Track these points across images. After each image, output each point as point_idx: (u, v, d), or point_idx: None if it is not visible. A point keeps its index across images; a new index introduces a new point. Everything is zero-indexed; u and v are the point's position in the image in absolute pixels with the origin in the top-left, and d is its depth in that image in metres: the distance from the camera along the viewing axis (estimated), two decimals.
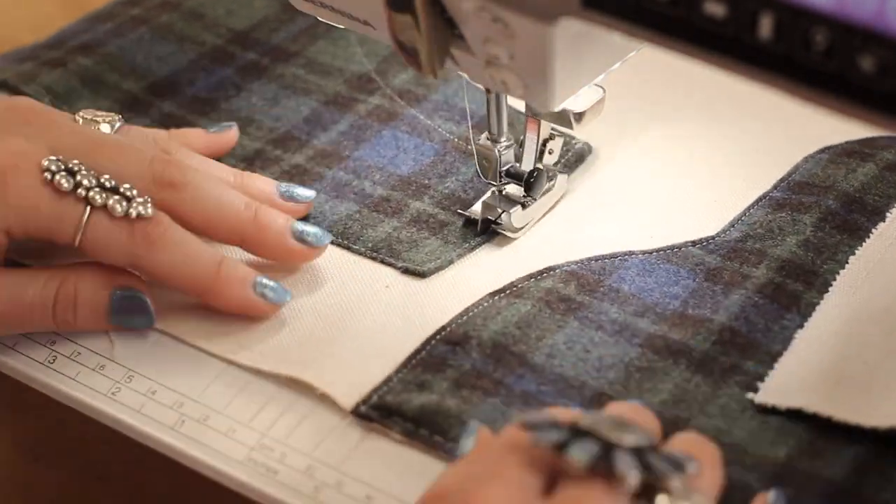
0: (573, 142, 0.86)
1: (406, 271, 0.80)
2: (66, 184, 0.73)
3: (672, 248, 0.80)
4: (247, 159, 0.87)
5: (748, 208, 0.82)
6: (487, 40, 0.69)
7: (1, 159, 0.73)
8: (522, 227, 0.82)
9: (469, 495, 0.59)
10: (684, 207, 0.83)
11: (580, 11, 0.63)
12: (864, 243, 0.79)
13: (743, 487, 0.67)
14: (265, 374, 0.74)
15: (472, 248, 0.81)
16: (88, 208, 0.73)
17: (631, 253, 0.80)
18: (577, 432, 0.60)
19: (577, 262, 0.79)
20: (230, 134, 0.87)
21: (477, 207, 0.82)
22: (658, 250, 0.80)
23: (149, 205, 0.74)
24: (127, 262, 0.75)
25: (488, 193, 0.83)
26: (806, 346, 0.73)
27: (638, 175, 0.86)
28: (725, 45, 0.60)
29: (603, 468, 0.59)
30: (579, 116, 0.78)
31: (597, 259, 0.79)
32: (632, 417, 0.64)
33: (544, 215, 0.83)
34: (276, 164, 0.87)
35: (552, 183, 0.83)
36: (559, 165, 0.85)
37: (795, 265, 0.77)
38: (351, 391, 0.72)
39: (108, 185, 0.74)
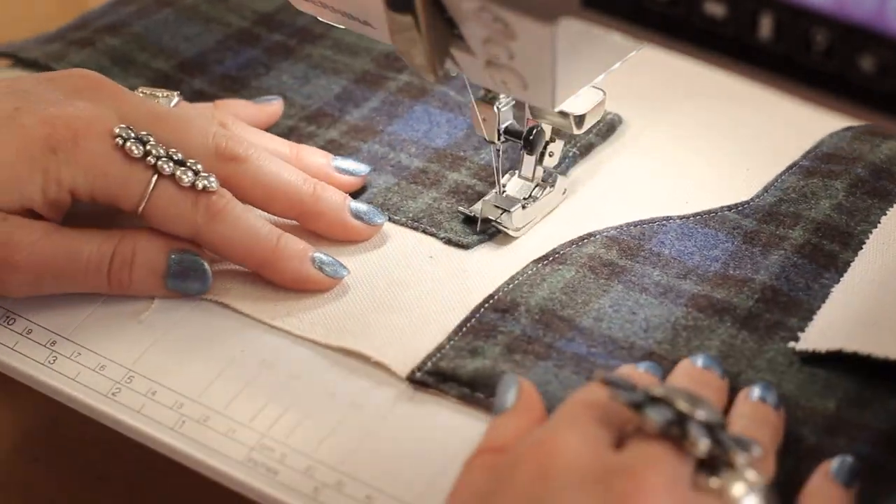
0: (604, 113, 0.87)
1: (449, 242, 0.81)
2: (136, 150, 0.75)
3: (708, 213, 0.82)
4: (281, 136, 0.88)
5: (779, 175, 0.84)
6: (487, 40, 0.69)
7: (73, 122, 0.75)
8: (522, 227, 0.82)
9: (541, 440, 0.61)
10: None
11: (580, 11, 0.63)
12: (895, 206, 0.81)
13: (797, 440, 0.68)
14: (264, 374, 0.74)
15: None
16: (156, 176, 0.75)
17: (668, 218, 0.82)
18: (653, 398, 0.62)
19: (615, 228, 0.81)
20: (275, 106, 0.89)
21: (478, 206, 0.82)
22: (694, 215, 0.82)
23: (213, 179, 0.76)
24: (188, 232, 0.76)
25: (490, 193, 0.83)
26: (842, 297, 0.75)
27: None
28: (725, 45, 0.60)
29: (675, 433, 0.61)
30: (580, 119, 0.78)
31: (635, 224, 0.81)
32: (703, 391, 0.66)
33: (545, 216, 0.83)
34: (310, 139, 0.88)
35: (551, 183, 0.83)
36: (591, 134, 0.87)
37: (830, 227, 0.79)
38: (405, 359, 0.73)
39: (175, 157, 0.76)
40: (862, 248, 0.78)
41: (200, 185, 0.75)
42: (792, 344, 0.73)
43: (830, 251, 0.78)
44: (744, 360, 0.73)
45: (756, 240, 0.79)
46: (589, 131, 0.86)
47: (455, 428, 0.70)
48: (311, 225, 0.80)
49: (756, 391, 0.70)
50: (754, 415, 0.68)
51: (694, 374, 0.70)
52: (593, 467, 0.60)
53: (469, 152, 0.86)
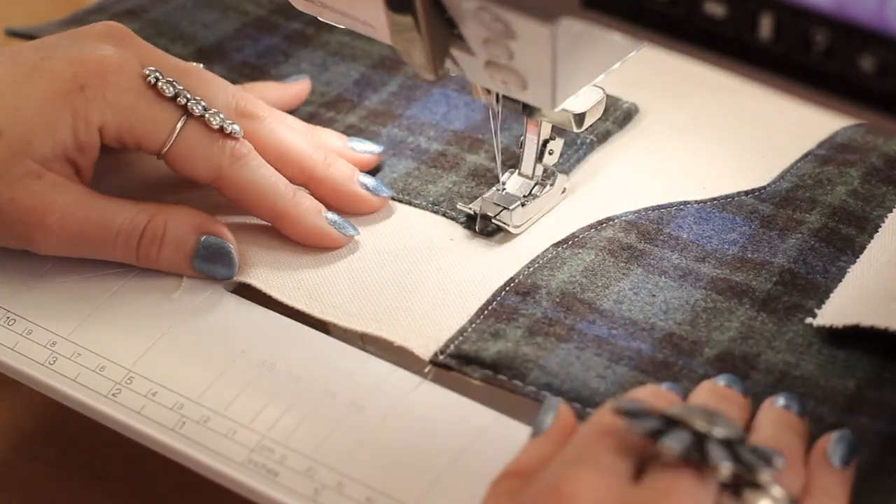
0: (620, 101, 0.89)
1: (469, 227, 0.82)
2: (168, 90, 0.76)
3: (725, 197, 0.83)
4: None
5: (795, 163, 0.85)
6: (487, 40, 0.69)
7: (102, 59, 0.76)
8: (522, 225, 0.82)
9: (560, 479, 0.60)
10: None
11: (580, 11, 0.63)
12: None
13: (817, 419, 0.69)
14: (264, 375, 0.74)
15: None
16: (185, 116, 0.77)
17: (686, 203, 0.82)
18: (670, 421, 0.61)
19: (634, 212, 0.82)
20: (301, 84, 0.90)
21: (477, 203, 0.82)
22: (711, 200, 0.82)
23: (238, 126, 0.78)
24: (210, 174, 0.78)
25: (490, 191, 0.83)
26: (858, 276, 0.76)
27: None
28: (725, 45, 0.59)
29: (695, 457, 0.60)
30: (580, 117, 0.78)
31: (653, 209, 0.82)
32: (721, 407, 0.66)
33: (545, 214, 0.83)
34: (330, 125, 0.88)
35: (552, 182, 0.83)
36: (608, 122, 0.87)
37: (847, 212, 0.80)
38: (427, 343, 0.74)
39: (202, 102, 0.77)
40: (878, 232, 0.79)
41: (229, 129, 0.77)
42: (809, 320, 0.74)
43: (847, 235, 0.79)
44: (763, 340, 0.73)
45: (773, 224, 0.80)
46: (605, 119, 0.87)
47: (456, 429, 0.70)
48: (319, 191, 0.81)
49: (780, 399, 0.69)
50: (780, 420, 0.68)
51: (716, 391, 0.69)
52: None
53: (487, 135, 0.86)
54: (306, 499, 0.68)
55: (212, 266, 0.78)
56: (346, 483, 0.68)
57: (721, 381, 0.70)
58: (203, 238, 0.77)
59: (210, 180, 0.78)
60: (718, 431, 0.61)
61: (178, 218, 0.78)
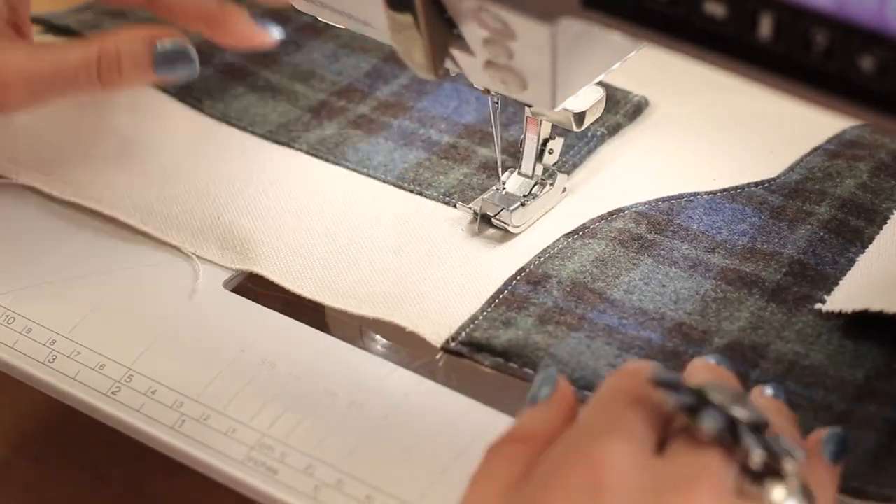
0: (631, 95, 0.89)
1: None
2: None
3: (735, 189, 0.83)
4: (312, 109, 0.90)
5: (804, 156, 0.85)
6: (487, 40, 0.69)
7: None
8: (522, 225, 0.82)
9: (591, 446, 0.59)
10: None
11: (580, 11, 0.63)
12: None
13: (826, 408, 0.69)
14: (264, 374, 0.74)
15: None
16: None
17: (696, 194, 0.83)
18: (702, 398, 0.60)
19: (644, 204, 0.82)
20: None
21: (477, 203, 0.82)
22: (721, 191, 0.83)
23: None
24: None
25: (489, 190, 0.83)
26: (867, 265, 0.76)
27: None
28: (725, 45, 0.59)
29: (726, 439, 0.59)
30: (579, 117, 0.79)
31: (663, 200, 0.82)
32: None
33: (545, 214, 0.83)
34: (341, 113, 0.89)
35: (552, 182, 0.83)
36: (619, 115, 0.88)
37: (856, 204, 0.81)
38: (439, 330, 0.74)
39: None
40: (886, 223, 0.79)
41: None
42: (819, 306, 0.74)
43: (856, 226, 0.79)
44: (773, 331, 0.74)
45: (783, 215, 0.81)
46: (616, 112, 0.87)
47: (456, 429, 0.71)
48: (215, 33, 0.84)
49: (769, 389, 0.69)
50: (774, 408, 0.68)
51: (711, 368, 0.69)
52: (642, 480, 0.58)
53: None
54: (306, 497, 0.68)
55: (174, 68, 0.80)
56: (345, 481, 0.68)
57: (712, 359, 0.70)
58: (158, 46, 0.79)
59: (143, 2, 0.82)
60: (749, 416, 0.60)
61: (126, 35, 0.79)
